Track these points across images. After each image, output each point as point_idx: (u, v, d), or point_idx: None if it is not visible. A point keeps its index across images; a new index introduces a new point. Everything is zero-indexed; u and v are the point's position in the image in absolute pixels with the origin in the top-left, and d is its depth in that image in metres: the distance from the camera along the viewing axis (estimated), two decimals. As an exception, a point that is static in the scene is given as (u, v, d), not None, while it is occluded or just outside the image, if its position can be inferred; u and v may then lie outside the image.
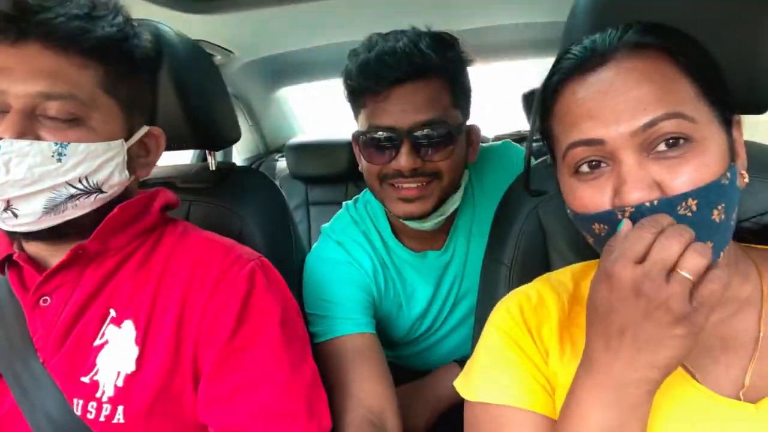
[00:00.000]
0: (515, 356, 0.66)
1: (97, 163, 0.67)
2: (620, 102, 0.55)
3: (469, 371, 0.70)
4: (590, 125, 0.56)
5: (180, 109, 0.95)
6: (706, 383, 0.58)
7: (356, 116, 1.03)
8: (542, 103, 0.64)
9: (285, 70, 2.01)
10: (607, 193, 0.56)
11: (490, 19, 1.56)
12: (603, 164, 0.57)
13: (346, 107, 1.05)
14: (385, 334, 1.15)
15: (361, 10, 1.43)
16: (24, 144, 0.63)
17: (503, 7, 1.49)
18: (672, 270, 0.48)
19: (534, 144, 0.77)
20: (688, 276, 0.48)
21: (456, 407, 1.07)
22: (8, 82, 0.63)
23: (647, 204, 0.53)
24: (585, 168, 0.58)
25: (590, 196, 0.58)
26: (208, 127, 0.99)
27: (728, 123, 0.58)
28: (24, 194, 0.64)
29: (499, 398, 0.64)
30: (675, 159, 0.53)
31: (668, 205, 0.52)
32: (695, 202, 0.52)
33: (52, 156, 0.64)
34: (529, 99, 2.06)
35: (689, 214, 0.52)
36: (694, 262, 0.48)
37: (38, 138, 0.64)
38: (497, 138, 2.14)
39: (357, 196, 1.21)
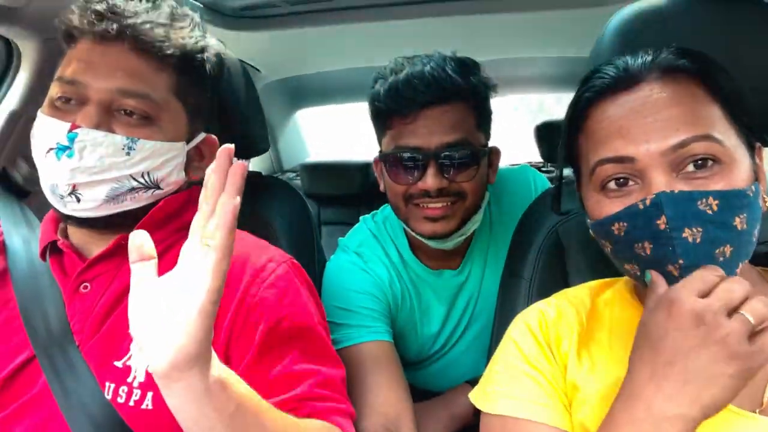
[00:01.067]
0: (533, 370, 0.67)
1: (160, 161, 0.72)
2: (651, 121, 0.57)
3: (486, 383, 0.71)
4: (621, 143, 0.58)
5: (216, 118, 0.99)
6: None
7: (380, 137, 1.05)
8: (570, 121, 0.66)
9: (306, 91, 2.07)
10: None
11: (511, 51, 1.61)
12: (631, 182, 0.59)
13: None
14: (398, 352, 1.16)
15: (387, 37, 1.48)
16: (99, 134, 0.68)
17: (524, 41, 1.54)
18: (735, 310, 0.49)
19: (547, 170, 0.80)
20: (750, 318, 0.48)
21: (469, 428, 1.07)
22: (91, 76, 0.69)
23: (668, 191, 0.54)
24: (612, 185, 0.60)
25: (617, 208, 0.59)
26: (240, 136, 1.03)
27: (752, 149, 0.60)
28: (91, 181, 0.68)
29: (516, 411, 0.65)
30: (703, 179, 0.55)
31: (688, 197, 0.54)
32: (717, 202, 0.54)
33: (123, 149, 0.69)
34: (542, 131, 2.10)
35: (709, 211, 0.54)
36: (758, 306, 0.48)
37: (111, 131, 0.69)
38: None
39: (375, 211, 1.23)
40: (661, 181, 0.56)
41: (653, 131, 0.56)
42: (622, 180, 0.59)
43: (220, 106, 0.96)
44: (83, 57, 0.70)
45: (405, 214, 1.04)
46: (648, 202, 0.55)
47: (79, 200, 0.69)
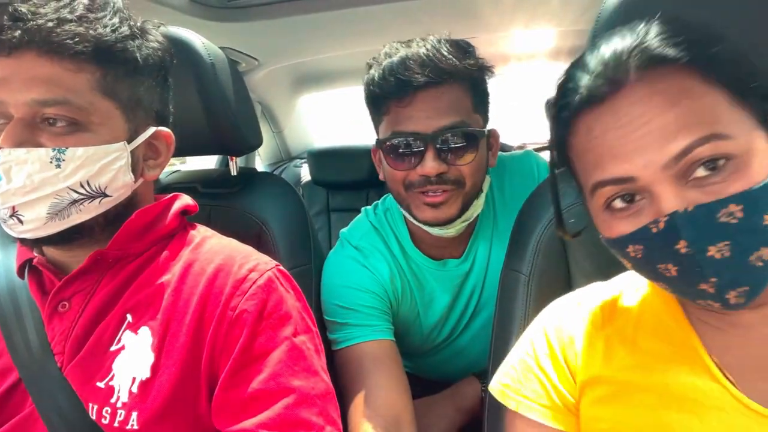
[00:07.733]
0: (540, 371, 0.67)
1: (98, 167, 0.67)
2: (643, 134, 0.49)
3: (502, 376, 0.71)
4: (614, 163, 0.51)
5: (203, 116, 0.96)
6: (756, 400, 0.53)
7: (377, 124, 1.03)
8: (557, 135, 0.59)
9: (307, 77, 2.03)
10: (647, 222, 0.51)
11: (512, 27, 1.55)
12: (638, 197, 0.52)
13: (361, 115, 1.06)
14: (402, 342, 1.15)
15: (382, 19, 1.43)
16: (22, 152, 0.63)
17: (527, 16, 1.48)
18: None
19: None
20: None
21: (475, 421, 1.06)
22: (8, 92, 0.64)
23: (680, 211, 0.48)
24: (619, 203, 0.53)
25: (630, 228, 0.53)
26: (230, 133, 1.01)
27: None
28: (27, 201, 0.65)
29: (529, 412, 0.65)
30: (718, 184, 0.48)
31: (706, 211, 0.47)
32: (740, 207, 0.47)
33: (51, 162, 0.64)
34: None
35: (733, 221, 0.47)
36: None
37: (38, 145, 0.65)
38: (521, 147, 2.12)
39: (376, 201, 1.21)
40: (670, 196, 0.49)
41: (647, 145, 0.49)
42: (627, 197, 0.53)
43: (203, 102, 0.93)
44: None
45: (406, 201, 1.02)
46: (661, 225, 0.49)
47: (21, 222, 0.66)
